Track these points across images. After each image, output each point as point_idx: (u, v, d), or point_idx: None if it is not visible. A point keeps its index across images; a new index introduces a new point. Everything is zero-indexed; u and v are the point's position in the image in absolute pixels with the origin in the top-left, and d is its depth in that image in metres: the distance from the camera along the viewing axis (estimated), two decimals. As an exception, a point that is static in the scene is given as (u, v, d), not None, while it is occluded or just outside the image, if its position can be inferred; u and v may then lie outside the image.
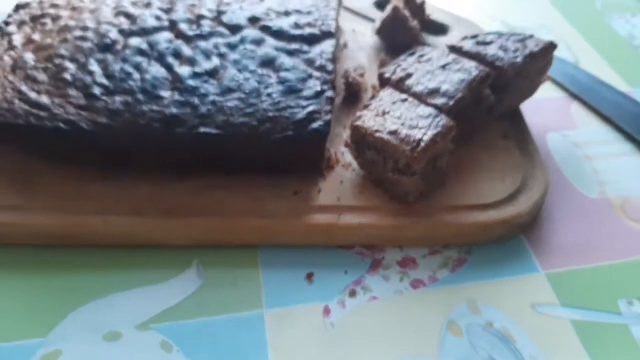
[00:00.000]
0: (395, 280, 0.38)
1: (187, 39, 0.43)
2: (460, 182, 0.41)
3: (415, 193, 0.39)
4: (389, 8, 0.54)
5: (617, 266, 0.39)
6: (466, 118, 0.43)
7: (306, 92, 0.40)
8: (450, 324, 0.36)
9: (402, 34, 0.53)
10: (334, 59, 0.43)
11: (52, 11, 0.50)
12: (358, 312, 0.36)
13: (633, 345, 0.35)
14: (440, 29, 0.58)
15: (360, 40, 0.56)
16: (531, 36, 0.47)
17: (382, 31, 0.54)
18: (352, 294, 0.37)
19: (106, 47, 0.43)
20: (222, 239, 0.39)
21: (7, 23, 0.49)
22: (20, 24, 0.49)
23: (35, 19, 0.49)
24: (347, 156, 0.43)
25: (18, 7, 0.51)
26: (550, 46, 0.47)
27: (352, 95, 0.48)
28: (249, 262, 0.39)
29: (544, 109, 0.52)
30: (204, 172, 0.40)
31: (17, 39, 0.46)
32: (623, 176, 0.46)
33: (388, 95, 0.41)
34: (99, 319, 0.35)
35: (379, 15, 0.56)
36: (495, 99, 0.44)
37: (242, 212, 0.39)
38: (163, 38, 0.43)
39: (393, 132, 0.38)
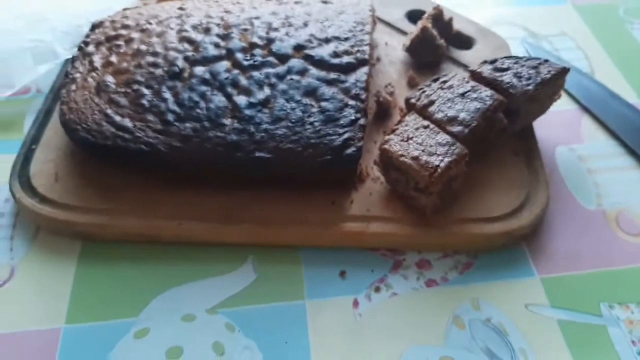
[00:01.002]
0: (412, 279, 0.46)
1: (243, 69, 0.51)
2: (471, 197, 0.49)
3: (432, 208, 0.47)
4: (418, 27, 0.60)
5: (603, 273, 0.47)
6: (480, 139, 0.49)
7: (342, 121, 0.47)
8: (456, 318, 0.44)
9: (429, 52, 0.59)
10: (367, 87, 0.50)
11: (124, 32, 0.58)
12: (381, 305, 0.45)
13: (609, 344, 0.42)
14: (466, 42, 0.64)
15: (392, 54, 0.62)
16: (546, 61, 0.53)
17: (411, 49, 0.60)
18: (377, 290, 0.46)
19: (175, 75, 0.51)
20: (271, 241, 0.48)
21: (86, 43, 0.58)
22: (98, 44, 0.57)
23: (110, 39, 0.57)
24: (376, 170, 0.51)
25: (94, 27, 0.60)
26: (562, 71, 0.52)
27: (383, 112, 0.55)
28: (294, 259, 0.47)
29: (555, 122, 0.58)
30: (256, 184, 0.49)
31: (97, 60, 0.55)
32: (620, 190, 0.53)
33: (413, 120, 0.48)
34: (177, 304, 0.45)
35: (409, 33, 0.62)
36: (507, 121, 0.51)
37: (287, 220, 0.47)
38: (222, 68, 0.51)
39: (415, 158, 0.45)
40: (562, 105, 0.59)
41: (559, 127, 0.58)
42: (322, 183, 0.49)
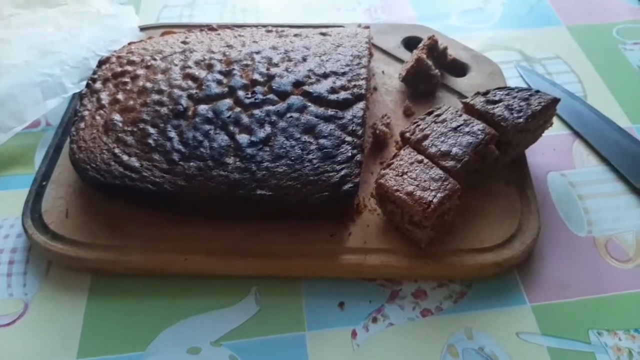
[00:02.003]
0: (409, 310, 0.48)
1: (244, 107, 0.53)
2: (465, 227, 0.51)
3: (427, 240, 0.49)
4: (413, 57, 0.62)
5: (592, 300, 0.48)
6: (473, 172, 0.51)
7: (339, 157, 0.49)
8: (450, 347, 0.46)
9: (425, 82, 0.61)
10: (363, 121, 0.52)
11: (130, 68, 0.60)
12: (378, 336, 0.47)
13: (596, 371, 0.45)
14: (460, 69, 0.66)
15: (388, 83, 0.64)
16: (537, 92, 0.55)
17: (406, 79, 0.62)
18: (374, 320, 0.48)
19: (180, 114, 0.53)
20: (273, 273, 0.50)
21: (93, 80, 0.60)
22: (105, 81, 0.59)
23: (116, 76, 0.60)
24: (373, 202, 0.53)
25: (101, 63, 0.62)
26: (553, 102, 0.54)
27: (379, 144, 0.57)
28: (295, 291, 0.50)
29: (547, 147, 0.60)
30: (258, 219, 0.51)
31: (105, 97, 0.57)
32: (610, 216, 0.54)
33: (407, 154, 0.50)
34: (183, 336, 0.47)
35: (405, 62, 0.64)
36: (499, 152, 0.53)
37: (288, 252, 0.49)
38: (225, 106, 0.53)
39: (409, 193, 0.47)
40: (554, 131, 0.60)
41: (551, 152, 0.60)
42: (321, 216, 0.51)
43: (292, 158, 0.49)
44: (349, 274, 0.50)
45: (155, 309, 0.49)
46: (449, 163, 0.49)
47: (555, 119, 0.57)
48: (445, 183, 0.47)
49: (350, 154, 0.50)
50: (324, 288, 0.50)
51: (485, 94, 0.55)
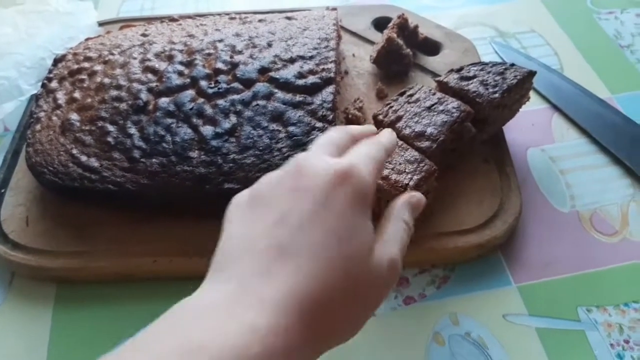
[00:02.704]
0: (391, 298, 0.46)
1: (208, 97, 0.50)
2: (444, 209, 0.49)
3: None
4: (383, 37, 0.60)
5: (579, 277, 0.47)
6: (450, 151, 0.49)
7: (310, 145, 0.47)
8: (436, 335, 0.44)
9: (396, 62, 0.59)
10: (334, 106, 0.50)
11: (86, 65, 0.57)
12: (361, 328, 0.45)
13: (588, 350, 0.43)
14: (433, 48, 0.64)
15: (360, 65, 0.62)
16: (512, 65, 0.53)
17: (377, 61, 0.60)
18: (356, 312, 0.46)
19: (140, 109, 0.50)
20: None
21: (49, 79, 0.57)
22: (61, 79, 0.56)
23: (73, 73, 0.57)
24: (349, 189, 0.50)
25: (56, 61, 0.59)
26: (529, 75, 0.52)
27: (353, 129, 0.55)
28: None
29: (526, 123, 0.58)
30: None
31: (61, 97, 0.54)
32: (593, 189, 0.53)
33: None
34: (156, 342, 0.45)
35: (375, 44, 0.61)
36: (476, 130, 0.51)
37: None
38: (187, 97, 0.50)
39: (384, 178, 0.45)
40: (532, 105, 0.59)
41: (530, 128, 0.58)
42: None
43: (260, 148, 0.47)
44: (327, 265, 0.47)
45: (125, 315, 0.46)
46: (424, 144, 0.47)
47: (532, 93, 0.55)
48: (421, 165, 0.45)
49: (321, 141, 0.47)
50: (301, 282, 0.47)
51: (459, 70, 0.53)
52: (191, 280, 0.47)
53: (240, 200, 0.34)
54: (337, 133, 0.37)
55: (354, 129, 0.39)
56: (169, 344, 0.25)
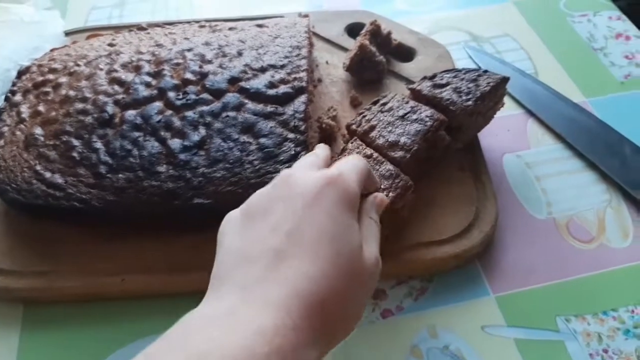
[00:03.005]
0: (367, 312, 0.45)
1: (176, 109, 0.49)
2: (420, 219, 0.48)
3: (382, 239, 0.45)
4: (356, 45, 0.59)
5: (557, 285, 0.46)
6: (424, 160, 0.49)
7: (282, 157, 0.46)
8: (414, 348, 0.43)
9: (370, 70, 0.58)
10: (306, 116, 0.49)
11: (51, 77, 0.55)
12: (337, 343, 0.44)
13: None
14: (407, 54, 0.63)
15: (333, 73, 0.61)
16: (485, 72, 0.52)
17: (351, 68, 0.59)
18: (332, 327, 0.45)
19: (105, 122, 0.49)
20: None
21: (13, 92, 0.55)
22: (25, 92, 0.55)
23: (37, 86, 0.55)
24: (323, 200, 0.49)
25: (20, 73, 0.57)
26: (502, 81, 0.52)
27: (326, 138, 0.54)
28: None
29: (501, 128, 0.58)
30: (199, 229, 0.47)
31: (25, 111, 0.52)
32: (569, 195, 0.52)
33: (355, 149, 0.47)
34: (125, 365, 0.43)
35: (348, 51, 0.60)
36: (451, 138, 0.50)
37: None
38: (154, 110, 0.49)
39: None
40: (507, 111, 0.59)
41: (505, 133, 0.58)
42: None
43: (231, 161, 0.46)
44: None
45: (94, 337, 0.45)
46: (398, 153, 0.46)
47: (507, 99, 0.55)
48: (396, 181, 0.44)
49: (293, 152, 0.46)
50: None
51: (432, 77, 0.53)
52: (161, 297, 0.46)
53: (232, 216, 0.35)
54: (320, 150, 0.40)
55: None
56: (175, 357, 0.26)
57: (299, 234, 0.31)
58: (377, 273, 0.35)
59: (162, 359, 0.27)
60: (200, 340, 0.27)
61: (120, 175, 0.45)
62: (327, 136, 0.54)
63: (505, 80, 0.52)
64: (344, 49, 0.64)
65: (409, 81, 0.60)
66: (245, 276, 0.30)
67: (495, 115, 0.54)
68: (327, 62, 0.63)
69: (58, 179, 0.46)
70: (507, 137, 0.58)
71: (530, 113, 0.60)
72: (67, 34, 0.68)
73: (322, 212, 0.32)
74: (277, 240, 0.31)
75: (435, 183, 0.50)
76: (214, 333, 0.27)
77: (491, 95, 0.51)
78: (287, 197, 0.33)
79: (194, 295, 0.46)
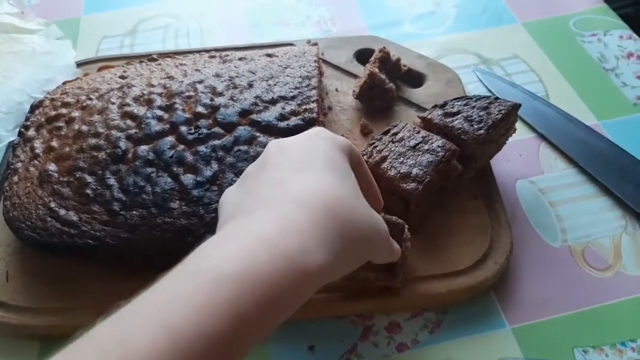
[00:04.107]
0: (383, 346, 0.45)
1: (188, 144, 0.49)
2: (434, 250, 0.48)
3: (398, 283, 0.45)
4: (365, 72, 0.59)
5: (574, 316, 0.46)
6: (437, 190, 0.49)
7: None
8: (430, 384, 0.43)
9: (380, 98, 0.58)
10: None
11: (64, 111, 0.56)
12: (353, 379, 0.44)
13: (585, 393, 0.42)
14: (417, 79, 0.63)
15: (343, 100, 0.61)
16: (496, 99, 0.52)
17: (360, 96, 0.59)
18: (347, 362, 0.44)
19: (118, 158, 0.49)
20: (235, 321, 0.46)
21: (26, 127, 0.56)
22: (38, 127, 0.55)
23: (50, 120, 0.55)
24: (336, 232, 0.49)
25: (33, 108, 0.58)
26: (513, 108, 0.52)
27: (338, 167, 0.54)
28: (260, 338, 0.46)
29: (513, 153, 0.58)
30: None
31: (38, 146, 0.53)
32: (584, 221, 0.52)
33: None
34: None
35: (358, 79, 0.61)
36: (463, 167, 0.50)
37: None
38: (166, 145, 0.49)
39: None
40: (519, 135, 0.58)
41: (518, 159, 0.58)
42: (281, 254, 0.47)
43: (243, 196, 0.46)
44: (317, 313, 0.46)
45: (109, 375, 0.45)
46: (410, 185, 0.46)
47: (518, 123, 0.54)
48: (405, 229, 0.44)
49: (305, 186, 0.46)
50: (292, 331, 0.46)
51: (443, 106, 0.53)
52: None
53: (229, 190, 0.36)
54: None
55: None
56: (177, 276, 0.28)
57: (301, 167, 0.33)
58: (383, 227, 0.35)
59: (167, 279, 0.29)
60: (199, 258, 0.29)
61: (133, 212, 0.46)
62: (338, 166, 0.54)
63: (516, 107, 0.52)
64: (353, 76, 0.64)
65: (419, 107, 0.60)
66: (250, 211, 0.31)
67: (507, 141, 0.54)
68: (336, 90, 0.63)
69: (72, 216, 0.46)
70: (520, 162, 0.57)
71: (542, 137, 0.60)
72: (79, 65, 0.69)
73: (320, 151, 0.34)
74: (279, 178, 0.33)
75: (449, 213, 0.50)
76: (212, 249, 0.29)
77: (503, 122, 0.51)
78: (280, 151, 0.35)
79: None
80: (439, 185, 0.48)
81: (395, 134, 0.50)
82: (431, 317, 0.46)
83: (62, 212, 0.47)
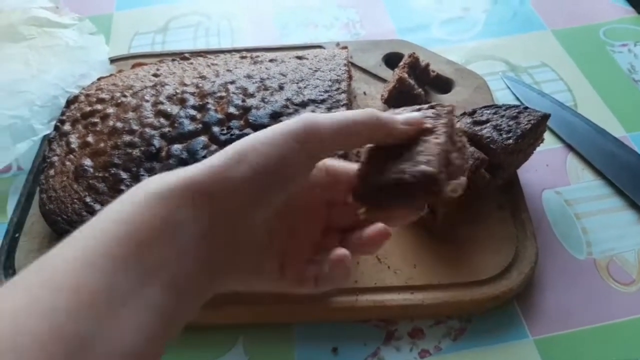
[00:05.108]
0: (405, 351, 0.46)
1: (220, 144, 0.50)
2: (459, 258, 0.48)
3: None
4: (394, 77, 0.59)
5: (597, 329, 0.46)
6: (464, 197, 0.49)
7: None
8: (451, 390, 0.44)
9: (408, 103, 0.58)
10: (346, 153, 0.50)
11: (99, 107, 0.57)
12: (375, 382, 0.44)
13: (607, 407, 0.42)
14: (445, 85, 0.63)
15: (371, 104, 0.62)
16: (526, 108, 0.53)
17: (389, 101, 0.59)
18: (370, 365, 0.45)
19: (152, 155, 0.50)
20: (259, 319, 0.47)
21: (62, 121, 0.57)
22: (74, 122, 0.57)
23: (85, 116, 0.57)
24: (362, 236, 0.50)
25: (69, 103, 0.59)
26: (543, 119, 0.52)
27: (365, 172, 0.54)
28: (284, 337, 0.47)
29: (540, 163, 0.58)
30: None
31: (74, 141, 0.54)
32: (610, 235, 0.52)
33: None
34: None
35: (387, 83, 0.61)
36: (490, 176, 0.50)
37: (274, 297, 0.46)
38: (199, 144, 0.50)
39: None
40: (546, 145, 0.58)
41: (544, 169, 0.58)
42: (308, 256, 0.48)
43: (273, 198, 0.47)
44: (341, 316, 0.47)
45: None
46: (439, 193, 0.46)
47: (546, 133, 0.54)
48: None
49: (334, 190, 0.47)
50: (315, 332, 0.47)
51: (472, 114, 0.53)
52: (202, 330, 0.47)
53: None
54: None
55: None
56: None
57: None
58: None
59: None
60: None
61: (166, 211, 0.47)
62: (365, 170, 0.54)
63: (546, 117, 0.52)
64: (381, 80, 0.64)
65: (447, 114, 0.60)
66: None
67: (534, 151, 0.54)
68: (364, 93, 0.63)
69: (107, 212, 0.48)
70: (546, 172, 0.57)
71: (570, 147, 0.60)
72: (112, 61, 0.70)
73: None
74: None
75: (475, 222, 0.51)
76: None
77: (532, 132, 0.51)
78: None
79: (235, 328, 0.47)
80: (466, 193, 0.49)
81: (424, 141, 0.51)
82: (454, 325, 0.47)
83: (98, 207, 0.48)
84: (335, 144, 0.32)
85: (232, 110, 0.53)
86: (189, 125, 0.52)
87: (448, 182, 0.31)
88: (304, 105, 0.53)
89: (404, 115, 0.34)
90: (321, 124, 0.30)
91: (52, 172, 0.52)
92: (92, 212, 0.48)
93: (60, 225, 0.48)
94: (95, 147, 0.53)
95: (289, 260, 0.33)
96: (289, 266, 0.33)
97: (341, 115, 0.32)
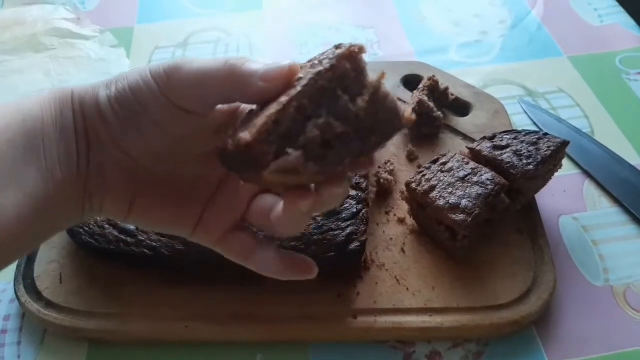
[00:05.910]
0: (423, 373, 0.46)
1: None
2: (478, 282, 0.48)
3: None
4: (414, 99, 0.60)
5: (614, 357, 0.46)
6: (484, 222, 0.49)
7: (344, 214, 0.47)
8: (469, 415, 0.44)
9: (427, 125, 0.59)
10: (367, 174, 0.50)
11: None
12: (393, 404, 0.44)
13: None
14: (463, 108, 0.64)
15: (390, 125, 0.62)
16: (546, 135, 0.53)
17: (409, 123, 0.60)
18: (388, 387, 0.45)
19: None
20: (277, 338, 0.47)
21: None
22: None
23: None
24: (380, 256, 0.50)
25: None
26: (562, 145, 0.52)
27: (383, 192, 0.55)
28: (301, 357, 0.47)
29: (558, 189, 0.58)
30: (261, 280, 0.48)
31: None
32: (627, 262, 0.52)
33: None
34: (186, 411, 0.45)
35: (405, 104, 0.62)
36: (510, 200, 0.51)
37: (293, 316, 0.47)
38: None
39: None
40: (563, 171, 0.58)
41: (562, 194, 0.58)
42: (327, 274, 0.48)
43: (295, 217, 0.47)
44: (359, 337, 0.47)
45: (155, 381, 0.46)
46: (460, 217, 0.47)
47: (564, 159, 0.55)
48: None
49: (355, 210, 0.47)
50: (332, 352, 0.47)
51: (492, 138, 0.54)
52: (221, 346, 0.48)
53: None
54: None
55: None
56: None
57: None
58: None
59: None
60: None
61: (189, 226, 0.47)
62: (384, 190, 0.55)
63: (565, 144, 0.53)
64: (400, 101, 0.65)
65: (465, 136, 0.61)
66: None
67: (552, 177, 0.55)
68: (383, 114, 0.64)
69: (130, 225, 0.48)
70: (564, 198, 0.58)
71: (587, 174, 0.60)
72: (134, 74, 0.71)
73: None
74: None
75: (493, 246, 0.51)
76: None
77: (551, 159, 0.52)
78: None
79: (254, 345, 0.47)
80: (486, 217, 0.49)
81: (444, 163, 0.51)
82: (472, 349, 0.47)
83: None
84: (193, 98, 0.30)
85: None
86: (212, 142, 0.53)
87: (275, 160, 0.27)
88: (325, 124, 0.54)
89: (262, 67, 0.29)
90: (184, 71, 0.30)
91: (74, 183, 0.53)
92: (115, 226, 0.49)
93: (82, 237, 0.49)
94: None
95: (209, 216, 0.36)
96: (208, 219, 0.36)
97: (205, 62, 0.30)
